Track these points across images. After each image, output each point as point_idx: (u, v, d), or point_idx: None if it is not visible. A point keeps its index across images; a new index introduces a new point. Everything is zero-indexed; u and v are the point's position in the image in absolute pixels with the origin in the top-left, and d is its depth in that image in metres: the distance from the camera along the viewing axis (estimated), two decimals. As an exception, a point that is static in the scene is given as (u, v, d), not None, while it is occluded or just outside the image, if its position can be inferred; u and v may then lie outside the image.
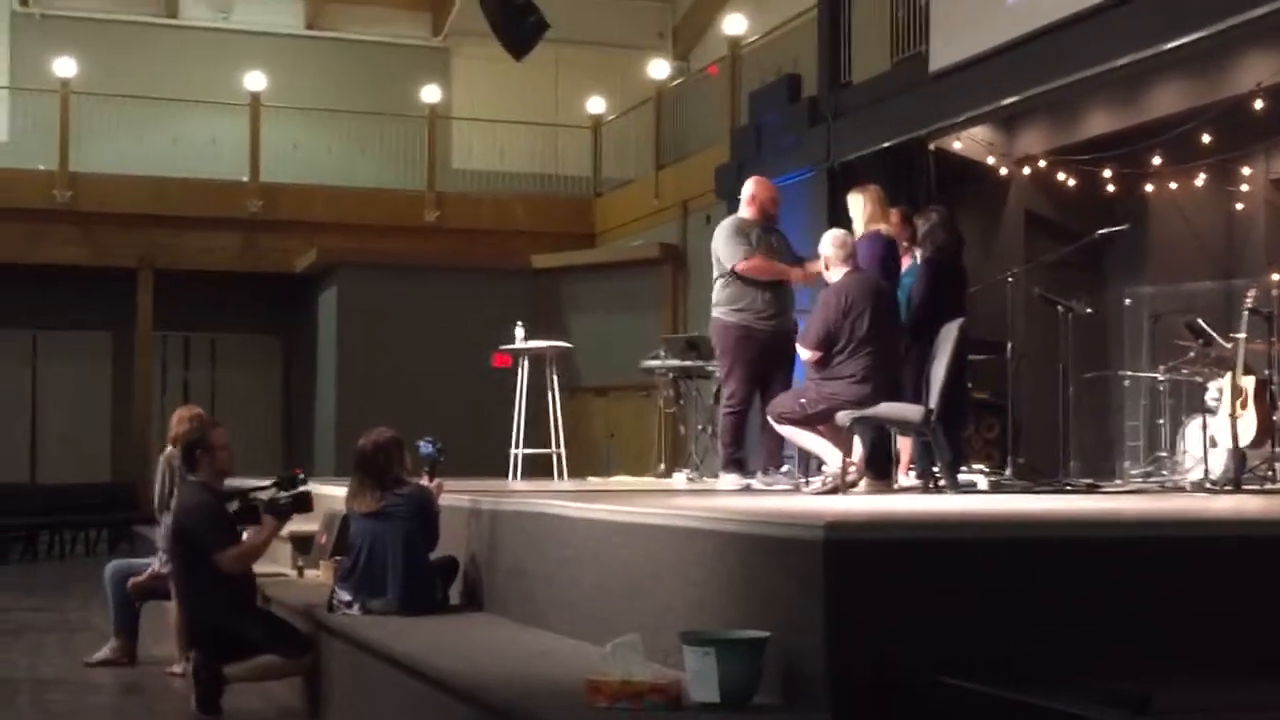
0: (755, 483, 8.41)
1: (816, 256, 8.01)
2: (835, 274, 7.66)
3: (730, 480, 8.39)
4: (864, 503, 6.66)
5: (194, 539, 7.05)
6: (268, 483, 7.60)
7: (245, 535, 7.28)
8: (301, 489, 7.32)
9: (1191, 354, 10.09)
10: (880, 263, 7.89)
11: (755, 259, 8.40)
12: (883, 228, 8.06)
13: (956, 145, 12.44)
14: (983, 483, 8.60)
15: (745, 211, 8.66)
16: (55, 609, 11.40)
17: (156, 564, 8.42)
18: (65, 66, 19.36)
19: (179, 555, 7.24)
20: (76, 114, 19.42)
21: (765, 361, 8.44)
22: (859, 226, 8.10)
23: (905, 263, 8.39)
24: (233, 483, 7.74)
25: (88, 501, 17.86)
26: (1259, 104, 10.48)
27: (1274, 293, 9.80)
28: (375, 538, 6.94)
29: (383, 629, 6.28)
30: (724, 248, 8.52)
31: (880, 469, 7.84)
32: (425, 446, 7.37)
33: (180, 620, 7.57)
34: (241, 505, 7.33)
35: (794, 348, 8.60)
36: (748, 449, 8.66)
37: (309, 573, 8.87)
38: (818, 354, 7.54)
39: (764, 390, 8.48)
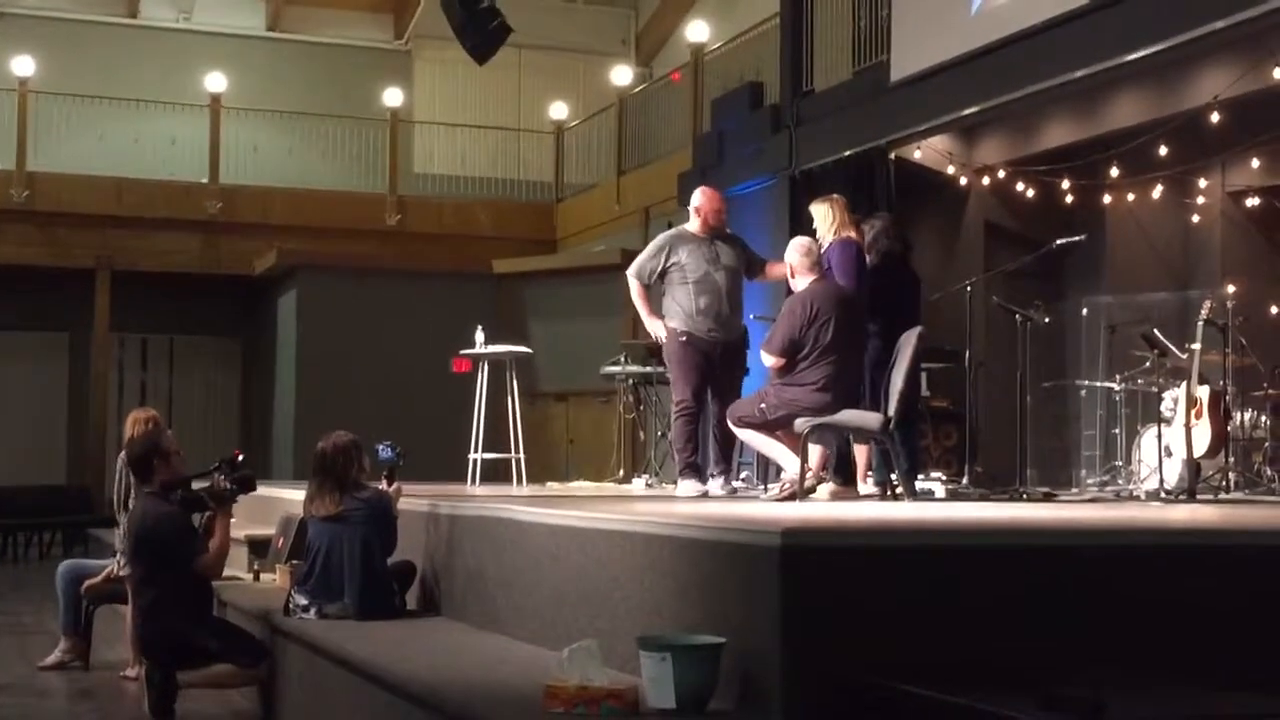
0: (713, 489, 8.44)
1: (780, 260, 8.05)
2: (801, 282, 7.69)
3: (688, 487, 8.40)
4: (821, 510, 6.68)
5: (166, 552, 6.95)
6: (210, 468, 7.43)
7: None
8: (243, 471, 7.24)
9: (1147, 364, 10.18)
10: (856, 272, 7.94)
11: (636, 286, 8.61)
12: (852, 234, 8.11)
13: (917, 154, 12.51)
14: (940, 491, 8.64)
15: (692, 223, 8.70)
16: (9, 612, 11.30)
17: (114, 566, 8.34)
18: (23, 65, 19.22)
19: (142, 568, 7.11)
20: (34, 113, 19.28)
21: (711, 368, 8.48)
22: (825, 235, 8.13)
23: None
24: None
25: (43, 503, 17.71)
26: (1216, 117, 10.58)
27: (1229, 304, 9.90)
28: (333, 542, 6.91)
29: (339, 633, 6.25)
30: (637, 258, 8.74)
31: (848, 476, 7.87)
32: (384, 450, 7.34)
33: (135, 626, 7.51)
34: (184, 495, 7.21)
35: (744, 355, 8.64)
36: (704, 455, 8.68)
37: (265, 576, 8.82)
38: (781, 361, 7.56)
39: (715, 396, 8.52)
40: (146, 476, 7.17)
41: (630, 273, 8.70)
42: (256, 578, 8.96)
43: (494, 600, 6.14)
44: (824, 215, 8.18)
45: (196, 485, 7.24)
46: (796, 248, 7.80)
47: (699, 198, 8.73)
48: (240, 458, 7.37)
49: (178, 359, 21.34)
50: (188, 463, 7.39)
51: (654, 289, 8.68)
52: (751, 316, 9.16)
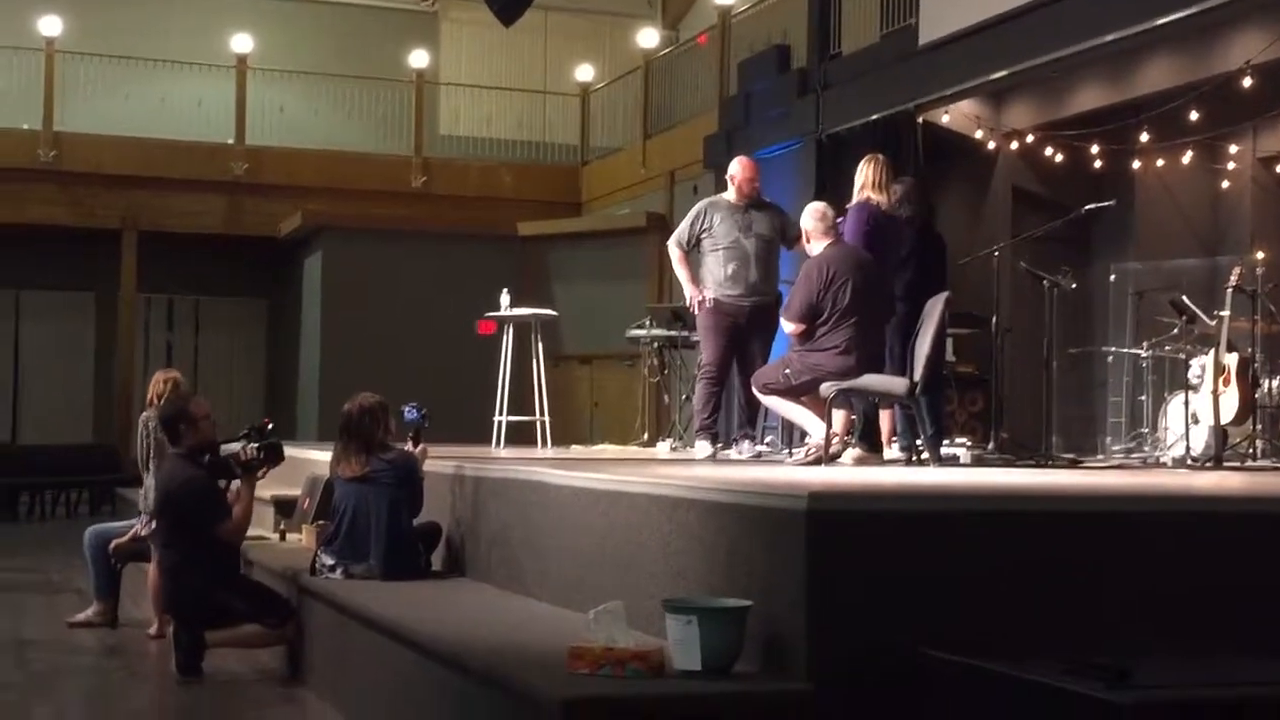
0: (732, 453, 8.48)
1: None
2: (816, 246, 7.66)
3: (701, 447, 8.48)
4: (846, 474, 6.68)
5: (189, 515, 7.01)
6: (238, 435, 7.51)
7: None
8: (271, 439, 7.28)
9: (1175, 331, 10.13)
10: (864, 234, 7.81)
11: (677, 253, 8.76)
12: (872, 196, 7.99)
13: (944, 118, 12.44)
14: (965, 456, 8.62)
15: (729, 191, 8.77)
16: (37, 570, 11.38)
17: (139, 525, 8.39)
18: (51, 25, 19.24)
19: (165, 528, 7.18)
20: (61, 73, 19.30)
21: (739, 332, 8.53)
22: (855, 194, 8.08)
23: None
24: None
25: (69, 462, 17.83)
26: (1248, 82, 10.47)
27: (1258, 271, 9.84)
28: (359, 502, 6.94)
29: (365, 593, 6.29)
30: (678, 227, 8.89)
31: (874, 441, 7.86)
32: (410, 412, 7.37)
33: (158, 585, 7.57)
34: (212, 460, 7.26)
35: (775, 321, 8.63)
36: (727, 419, 8.74)
37: (291, 536, 8.87)
38: (801, 326, 7.54)
39: (742, 362, 8.55)
40: (175, 439, 7.22)
41: (670, 242, 8.88)
42: (283, 538, 9.01)
43: (519, 562, 6.17)
44: (859, 174, 8.10)
45: (225, 451, 7.27)
46: (811, 213, 7.78)
47: (734, 166, 8.82)
48: (270, 426, 7.40)
49: (203, 320, 21.41)
50: (216, 428, 7.42)
51: (693, 256, 8.78)
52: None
